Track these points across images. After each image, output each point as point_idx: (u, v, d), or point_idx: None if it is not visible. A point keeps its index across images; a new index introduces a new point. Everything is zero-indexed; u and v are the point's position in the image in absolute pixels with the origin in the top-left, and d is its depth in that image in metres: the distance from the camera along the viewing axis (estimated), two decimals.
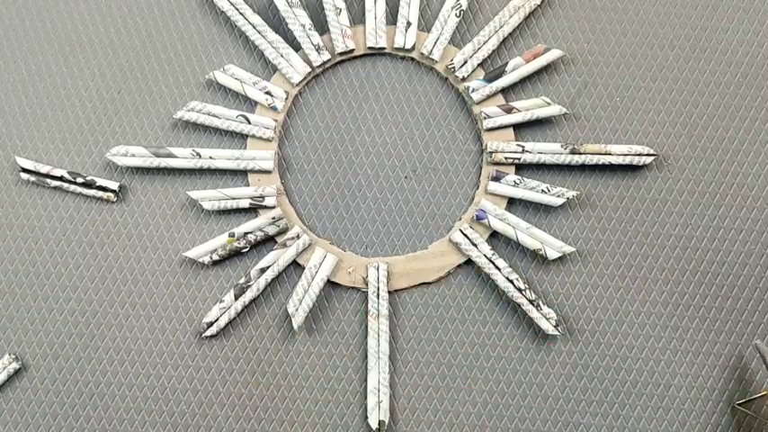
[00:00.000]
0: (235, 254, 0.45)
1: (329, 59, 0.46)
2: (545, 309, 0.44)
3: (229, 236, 0.44)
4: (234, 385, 0.44)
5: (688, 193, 0.46)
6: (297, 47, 0.46)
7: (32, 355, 0.44)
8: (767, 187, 0.46)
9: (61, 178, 0.45)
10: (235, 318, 0.44)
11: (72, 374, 0.44)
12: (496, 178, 0.45)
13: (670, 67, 0.46)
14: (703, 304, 0.45)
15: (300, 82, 0.46)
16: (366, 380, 0.44)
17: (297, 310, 0.44)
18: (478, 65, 0.46)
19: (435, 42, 0.46)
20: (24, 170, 0.45)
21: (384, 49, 0.46)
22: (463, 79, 0.46)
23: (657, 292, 0.45)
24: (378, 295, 0.44)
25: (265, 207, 0.45)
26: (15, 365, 0.44)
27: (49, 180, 0.45)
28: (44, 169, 0.45)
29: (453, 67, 0.45)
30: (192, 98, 0.46)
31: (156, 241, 0.45)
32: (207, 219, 0.45)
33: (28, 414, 0.44)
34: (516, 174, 0.45)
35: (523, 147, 0.45)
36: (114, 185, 0.45)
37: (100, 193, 0.45)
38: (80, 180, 0.45)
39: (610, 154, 0.45)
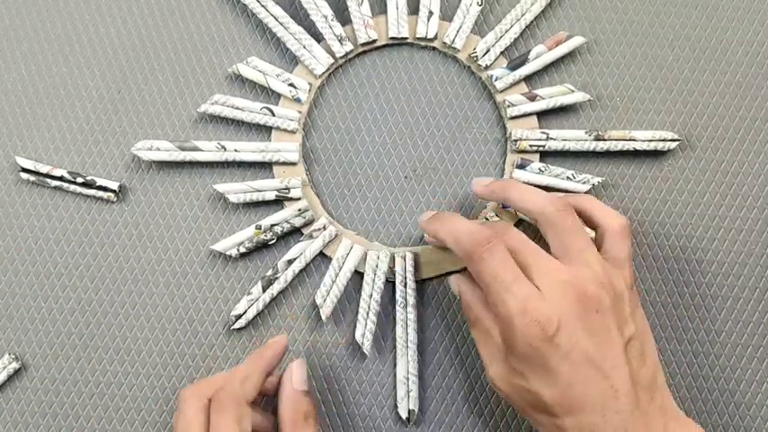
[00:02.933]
0: (262, 246, 0.44)
1: (352, 50, 0.46)
2: None
3: (256, 228, 0.44)
4: None
5: (688, 193, 0.46)
6: (319, 38, 0.46)
7: (32, 355, 0.44)
8: (767, 187, 0.46)
9: (61, 178, 0.45)
10: (263, 310, 0.44)
11: (72, 374, 0.44)
12: (521, 166, 0.45)
13: (670, 67, 0.46)
14: (703, 304, 0.45)
15: (323, 73, 0.46)
16: (395, 369, 0.44)
17: (325, 300, 0.43)
18: (501, 53, 0.46)
19: (458, 31, 0.46)
20: (24, 170, 0.45)
21: (406, 38, 0.46)
22: (486, 68, 0.46)
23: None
24: (405, 284, 0.44)
25: (291, 199, 0.45)
26: (15, 365, 0.44)
27: (49, 180, 0.45)
28: (44, 169, 0.45)
29: (476, 56, 0.45)
30: (197, 95, 0.46)
31: (156, 241, 0.45)
32: (207, 219, 0.45)
33: (28, 414, 0.44)
34: (540, 161, 0.45)
35: (548, 134, 0.45)
36: (114, 185, 0.45)
37: (100, 193, 0.45)
38: (80, 180, 0.45)
39: (634, 140, 0.45)
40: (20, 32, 0.47)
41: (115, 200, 0.45)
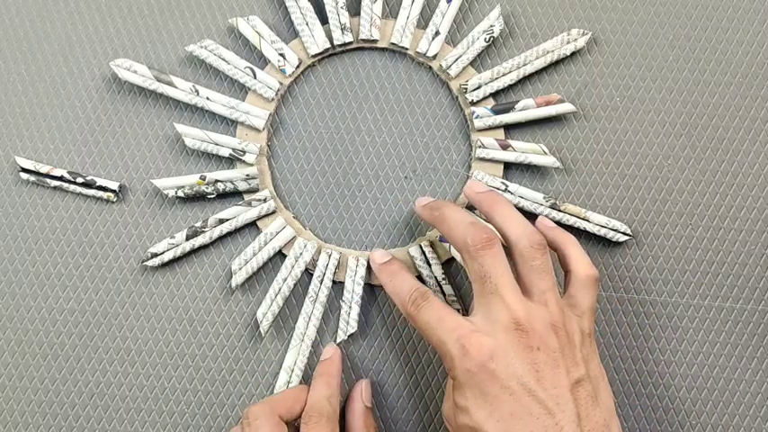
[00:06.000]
0: (200, 197, 0.45)
1: (350, 42, 0.46)
2: None
3: (200, 178, 0.44)
4: (234, 385, 0.44)
5: (688, 193, 0.46)
6: (324, 21, 0.46)
7: (32, 355, 0.44)
8: (767, 187, 0.46)
9: (61, 178, 0.45)
10: (181, 257, 0.44)
11: (72, 374, 0.44)
12: (470, 208, 0.44)
13: (670, 67, 0.46)
14: (703, 304, 0.45)
15: (316, 55, 0.46)
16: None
17: (240, 269, 0.44)
18: (491, 94, 0.45)
19: (456, 59, 0.45)
20: (24, 170, 0.45)
21: (407, 49, 0.46)
22: (472, 103, 0.45)
23: (657, 292, 0.45)
24: (321, 281, 0.44)
25: (244, 162, 0.45)
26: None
27: (49, 180, 0.45)
28: (44, 169, 0.45)
29: (466, 88, 0.45)
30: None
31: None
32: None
33: (28, 414, 0.44)
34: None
35: (507, 186, 0.44)
36: (114, 185, 0.45)
37: (100, 193, 0.45)
38: (80, 180, 0.45)
39: (587, 221, 0.44)
40: (20, 32, 0.47)
41: (115, 200, 0.45)
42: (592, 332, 0.38)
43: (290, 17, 0.46)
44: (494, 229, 0.39)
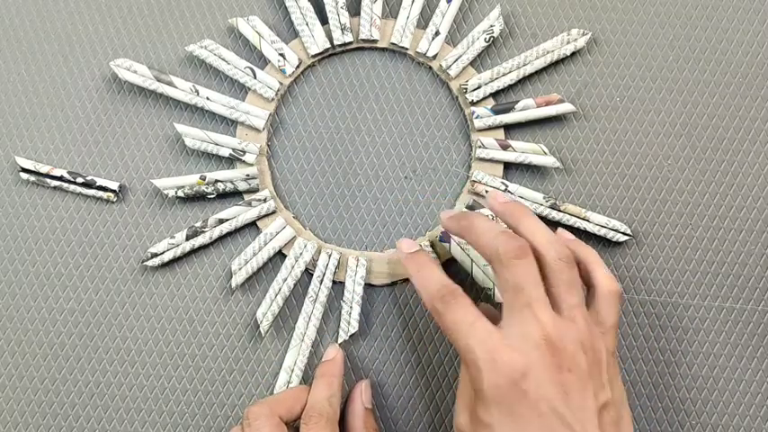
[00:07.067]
0: (200, 197, 0.45)
1: (350, 42, 0.46)
2: None
3: (200, 178, 0.44)
4: (234, 385, 0.44)
5: (688, 193, 0.46)
6: (324, 21, 0.46)
7: (32, 355, 0.44)
8: (767, 187, 0.46)
9: (61, 178, 0.45)
10: (181, 257, 0.44)
11: (72, 374, 0.44)
12: (471, 207, 0.44)
13: (670, 67, 0.46)
14: (703, 304, 0.45)
15: (316, 55, 0.46)
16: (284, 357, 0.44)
17: (240, 269, 0.44)
18: (491, 94, 0.45)
19: (456, 59, 0.45)
20: (24, 170, 0.45)
21: (406, 49, 0.46)
22: (472, 103, 0.45)
23: (657, 292, 0.45)
24: (321, 281, 0.44)
25: (244, 162, 0.45)
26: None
27: (49, 180, 0.45)
28: (44, 169, 0.45)
29: (466, 89, 0.45)
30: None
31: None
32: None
33: (28, 414, 0.44)
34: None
35: (507, 186, 0.44)
36: (114, 185, 0.45)
37: (100, 193, 0.45)
38: (80, 180, 0.45)
39: (587, 221, 0.44)
40: (20, 32, 0.47)
41: (115, 200, 0.45)
42: (615, 351, 0.37)
43: (290, 17, 0.46)
44: (525, 240, 0.37)
